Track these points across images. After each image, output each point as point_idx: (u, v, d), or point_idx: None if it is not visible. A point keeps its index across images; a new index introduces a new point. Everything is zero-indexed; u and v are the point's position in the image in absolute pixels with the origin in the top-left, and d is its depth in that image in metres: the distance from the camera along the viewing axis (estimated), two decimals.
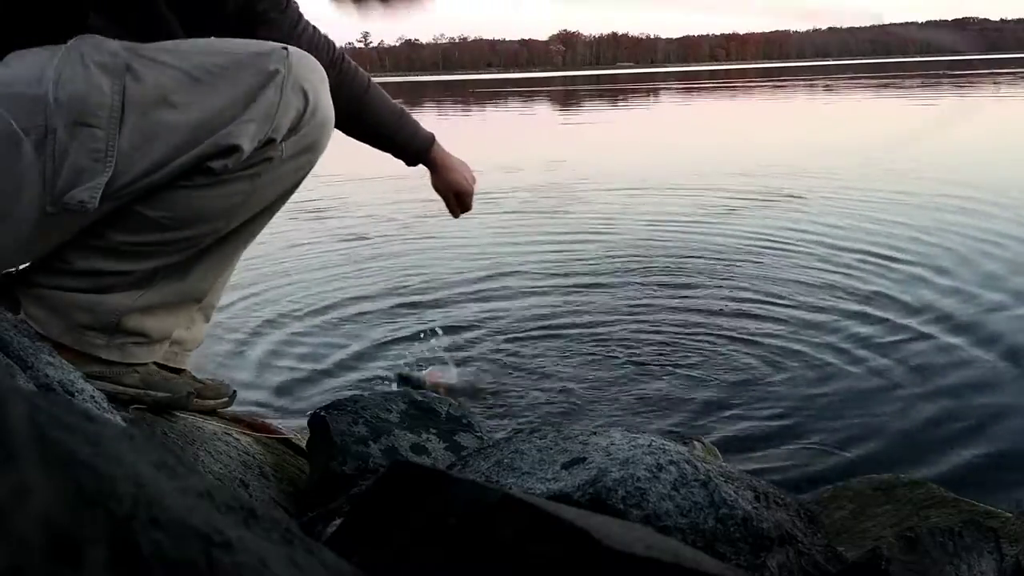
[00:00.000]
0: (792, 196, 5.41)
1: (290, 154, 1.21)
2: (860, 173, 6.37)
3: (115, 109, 1.08)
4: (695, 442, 1.58)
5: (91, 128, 1.07)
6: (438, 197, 1.71)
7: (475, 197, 1.72)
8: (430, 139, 1.62)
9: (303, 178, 1.29)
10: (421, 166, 1.65)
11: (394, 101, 1.58)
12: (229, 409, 1.51)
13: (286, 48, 1.18)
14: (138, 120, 1.09)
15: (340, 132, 1.55)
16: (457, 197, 1.69)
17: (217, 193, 1.17)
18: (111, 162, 1.08)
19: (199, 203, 1.17)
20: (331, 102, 1.26)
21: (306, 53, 1.22)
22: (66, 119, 1.06)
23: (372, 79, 1.55)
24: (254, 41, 1.20)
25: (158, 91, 1.10)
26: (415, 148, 1.61)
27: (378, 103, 1.55)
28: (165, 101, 1.10)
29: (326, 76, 1.24)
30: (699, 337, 2.65)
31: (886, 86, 27.19)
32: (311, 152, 1.25)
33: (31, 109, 1.06)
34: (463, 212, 1.73)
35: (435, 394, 1.57)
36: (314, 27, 1.46)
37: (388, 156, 1.62)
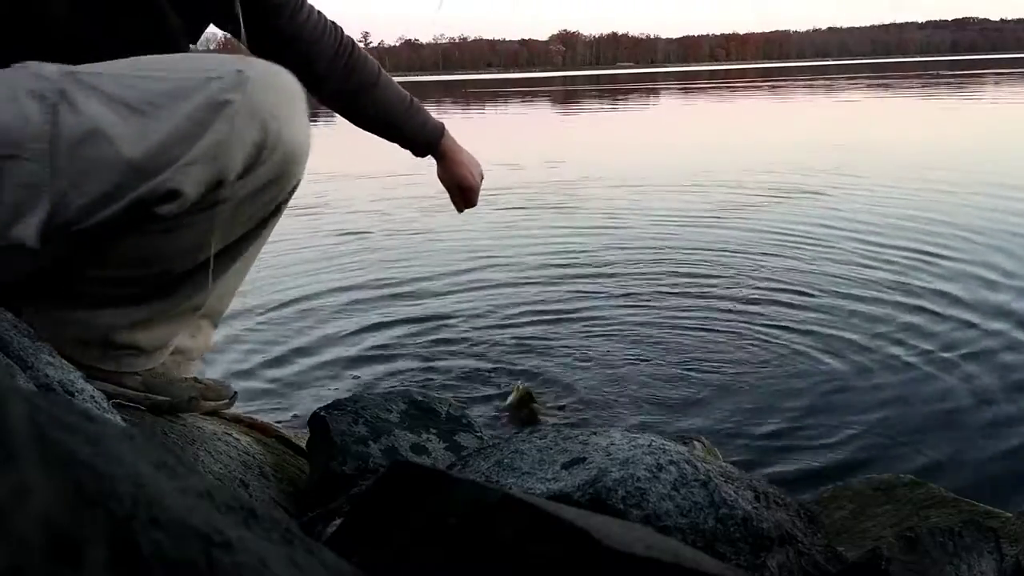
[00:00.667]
0: (791, 193, 5.41)
1: (247, 193, 1.10)
2: (871, 170, 6.37)
3: (44, 141, 0.99)
4: (695, 442, 1.58)
5: (20, 160, 0.98)
6: (442, 190, 1.69)
7: (480, 194, 1.69)
8: (440, 130, 1.60)
9: (280, 204, 1.20)
10: (430, 157, 1.63)
11: (404, 91, 1.55)
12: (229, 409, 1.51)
13: (241, 70, 1.05)
14: (72, 153, 0.99)
15: (348, 121, 1.54)
16: (462, 192, 1.66)
17: (176, 236, 1.09)
18: (46, 198, 0.99)
19: (159, 245, 1.10)
20: (304, 126, 1.13)
21: (275, 70, 1.09)
22: None
23: (382, 68, 1.51)
24: (210, 58, 1.08)
25: (93, 123, 1.00)
26: (424, 139, 1.58)
27: (387, 93, 1.51)
28: (101, 134, 1.00)
29: (298, 95, 1.11)
30: (699, 337, 2.66)
31: (890, 86, 27.18)
32: (277, 185, 1.14)
33: None
34: (467, 207, 1.70)
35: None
36: (319, 13, 1.40)
37: (392, 147, 1.60)
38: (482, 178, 1.68)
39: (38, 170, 0.99)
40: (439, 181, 1.67)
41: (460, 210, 1.72)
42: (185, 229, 1.09)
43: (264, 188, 1.13)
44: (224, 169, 1.05)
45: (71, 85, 1.01)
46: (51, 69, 1.02)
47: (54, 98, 0.99)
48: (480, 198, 1.70)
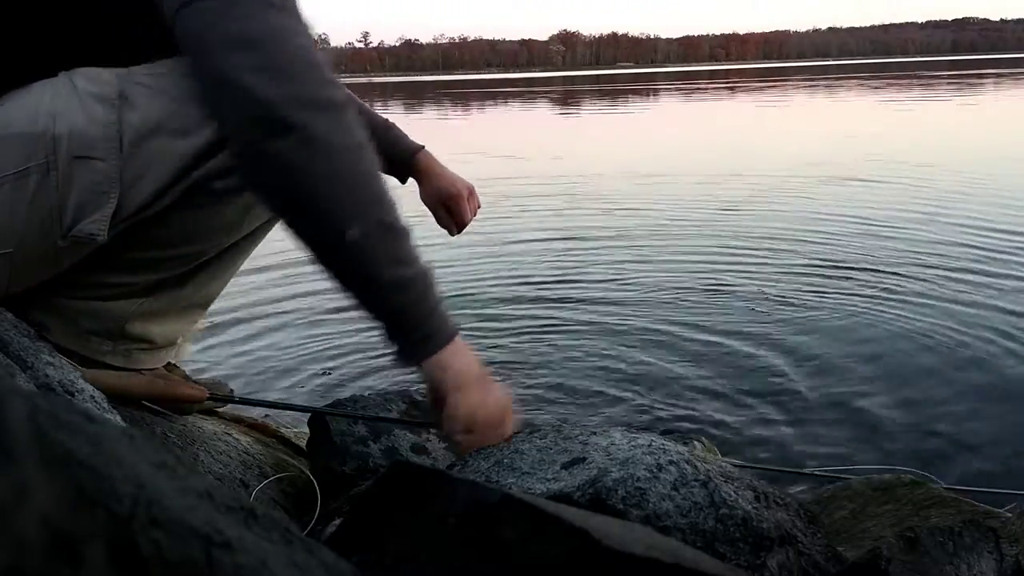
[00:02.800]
0: (785, 194, 5.41)
1: None
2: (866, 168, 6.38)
3: (113, 140, 1.04)
4: (695, 442, 1.58)
5: (92, 160, 1.04)
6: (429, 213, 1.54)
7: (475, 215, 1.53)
8: (416, 147, 1.52)
9: None
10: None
11: (380, 115, 1.51)
12: (229, 409, 1.51)
13: None
14: (137, 149, 1.05)
15: None
16: (449, 205, 1.51)
17: (216, 211, 1.14)
18: (115, 193, 1.06)
19: (199, 222, 1.14)
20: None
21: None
22: (66, 154, 1.04)
23: (359, 102, 1.41)
24: None
25: (154, 118, 1.05)
26: (399, 155, 1.50)
27: (369, 120, 1.44)
28: (163, 128, 1.06)
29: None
30: (700, 336, 2.66)
31: (890, 85, 27.20)
32: None
33: (31, 147, 1.05)
34: (459, 226, 1.53)
35: None
36: None
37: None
38: (471, 193, 1.52)
39: (108, 168, 1.05)
40: (424, 205, 1.54)
41: (452, 232, 1.55)
42: (228, 203, 1.13)
43: None
44: None
45: (129, 86, 1.06)
46: (105, 73, 1.07)
47: (116, 99, 1.05)
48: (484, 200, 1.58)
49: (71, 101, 1.05)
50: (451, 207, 1.50)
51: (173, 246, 1.17)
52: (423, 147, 1.53)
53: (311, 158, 0.94)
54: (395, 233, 0.99)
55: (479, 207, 1.55)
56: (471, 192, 1.52)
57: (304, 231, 0.99)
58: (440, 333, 1.03)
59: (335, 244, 0.97)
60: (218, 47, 0.95)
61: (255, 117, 0.94)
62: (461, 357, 1.05)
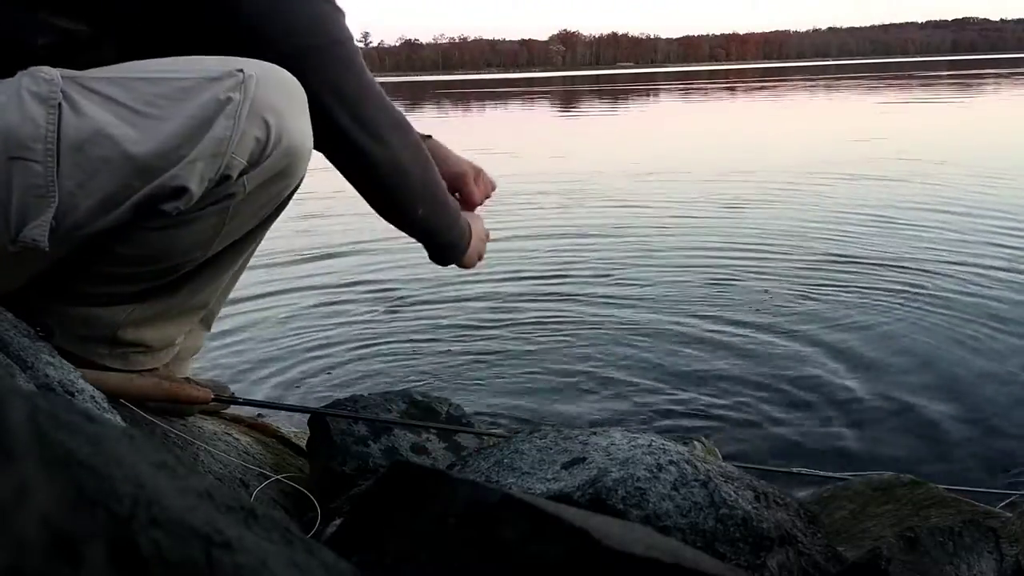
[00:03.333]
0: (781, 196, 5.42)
1: (256, 185, 1.13)
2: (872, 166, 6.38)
3: (49, 142, 1.00)
4: (695, 442, 1.58)
5: (27, 162, 1.00)
6: None
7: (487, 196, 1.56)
8: (423, 136, 1.50)
9: (284, 200, 1.23)
10: None
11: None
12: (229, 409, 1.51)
13: (242, 69, 1.07)
14: (77, 155, 1.02)
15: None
16: (457, 190, 1.51)
17: (184, 232, 1.12)
18: (53, 199, 1.01)
19: (167, 241, 1.12)
20: (305, 123, 1.14)
21: (275, 69, 1.10)
22: (2, 153, 1.00)
23: None
24: (212, 60, 1.09)
25: (97, 124, 1.02)
26: None
27: None
28: (105, 135, 1.02)
29: (298, 93, 1.12)
30: (699, 335, 2.66)
31: (891, 86, 27.20)
32: (283, 179, 1.16)
33: None
34: (470, 206, 1.55)
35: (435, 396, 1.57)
36: None
37: None
38: (494, 187, 1.57)
39: (44, 171, 1.01)
40: None
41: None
42: (194, 224, 1.12)
43: (269, 184, 1.15)
44: (230, 165, 1.07)
45: (73, 88, 1.03)
46: (53, 73, 1.03)
47: (57, 100, 1.01)
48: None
49: (12, 99, 1.01)
50: (460, 189, 1.53)
51: (144, 264, 1.15)
52: (430, 136, 1.53)
53: (397, 167, 1.27)
54: (445, 204, 1.39)
55: (494, 188, 1.59)
56: (479, 173, 1.55)
57: (388, 213, 1.34)
58: (467, 227, 1.46)
59: (412, 219, 1.34)
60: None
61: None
62: (474, 233, 1.49)
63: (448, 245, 1.42)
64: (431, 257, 1.46)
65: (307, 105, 1.14)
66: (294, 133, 1.12)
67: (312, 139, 1.17)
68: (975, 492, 1.46)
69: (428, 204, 1.33)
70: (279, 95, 1.10)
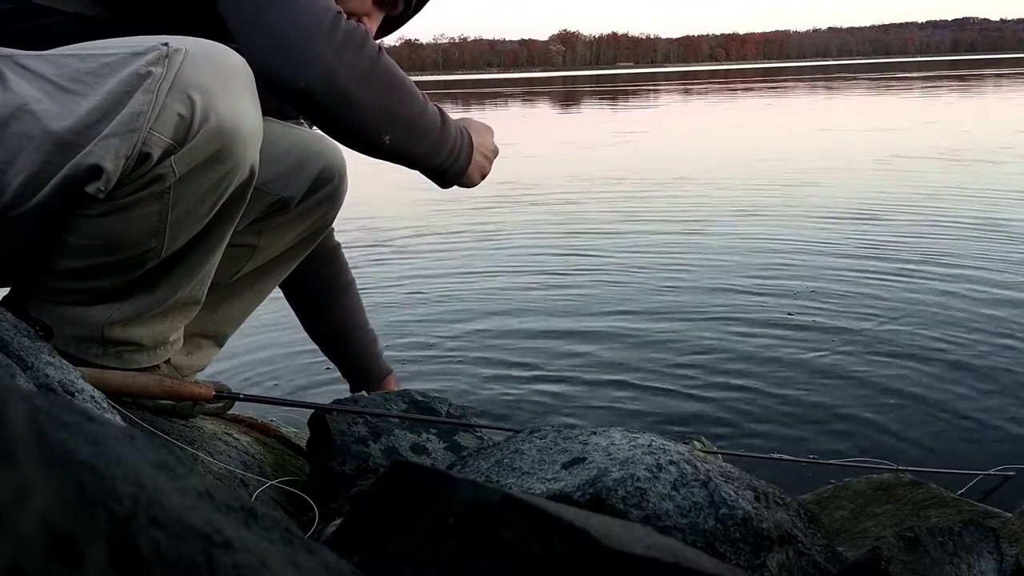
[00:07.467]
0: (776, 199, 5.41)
1: (187, 169, 1.07)
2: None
3: None
4: (695, 442, 1.58)
5: None
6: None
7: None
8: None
9: (236, 189, 1.14)
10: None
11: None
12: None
13: (167, 43, 1.02)
14: (4, 130, 1.00)
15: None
16: None
17: (124, 217, 1.08)
18: None
19: (110, 228, 1.08)
20: (245, 105, 1.08)
21: (214, 47, 1.05)
22: None
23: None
24: (143, 37, 1.04)
25: (22, 100, 1.00)
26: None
27: None
28: (28, 111, 1.00)
29: (239, 73, 1.06)
30: (698, 336, 2.66)
31: (893, 86, 27.19)
32: (219, 163, 1.09)
33: None
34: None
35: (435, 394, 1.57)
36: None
37: None
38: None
39: None
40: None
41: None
42: (133, 210, 1.08)
43: (205, 168, 1.08)
44: (146, 142, 1.02)
45: (6, 65, 1.02)
46: None
47: None
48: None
49: None
50: None
51: (98, 254, 1.12)
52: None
53: (338, 94, 1.12)
54: (417, 127, 1.23)
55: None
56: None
57: (353, 146, 1.22)
58: (465, 145, 1.32)
59: (381, 149, 1.21)
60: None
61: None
62: (477, 148, 1.37)
63: (436, 170, 1.29)
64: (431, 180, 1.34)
65: (253, 88, 1.09)
66: (226, 113, 1.05)
67: (258, 123, 1.11)
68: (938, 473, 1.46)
69: (396, 130, 1.18)
70: (210, 73, 1.04)
